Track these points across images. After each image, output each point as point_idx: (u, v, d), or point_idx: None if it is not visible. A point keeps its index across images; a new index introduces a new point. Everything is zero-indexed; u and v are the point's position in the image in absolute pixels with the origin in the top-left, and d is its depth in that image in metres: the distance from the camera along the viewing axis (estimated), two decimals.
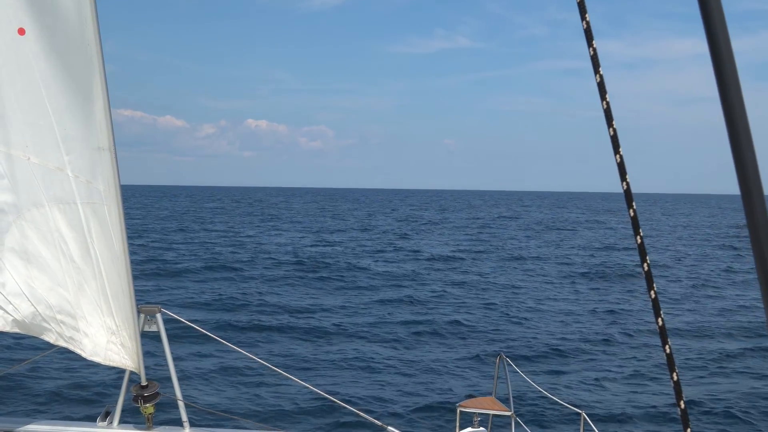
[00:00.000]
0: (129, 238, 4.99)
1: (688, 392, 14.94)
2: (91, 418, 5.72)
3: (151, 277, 32.46)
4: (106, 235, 4.88)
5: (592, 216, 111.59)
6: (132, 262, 5.04)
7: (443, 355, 19.04)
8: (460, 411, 5.31)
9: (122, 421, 5.43)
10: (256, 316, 25.66)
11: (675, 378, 2.86)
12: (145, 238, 52.33)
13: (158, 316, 5.40)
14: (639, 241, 2.87)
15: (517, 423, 5.27)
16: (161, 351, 5.42)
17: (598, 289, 34.19)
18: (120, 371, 5.32)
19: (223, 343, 6.12)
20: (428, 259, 42.88)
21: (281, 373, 6.22)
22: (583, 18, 2.79)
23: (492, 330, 23.90)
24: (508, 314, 27.33)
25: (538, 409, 12.97)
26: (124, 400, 5.42)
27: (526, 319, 26.40)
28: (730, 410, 13.96)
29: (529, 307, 29.42)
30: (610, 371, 17.22)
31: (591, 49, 2.83)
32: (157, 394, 5.36)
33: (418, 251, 47.82)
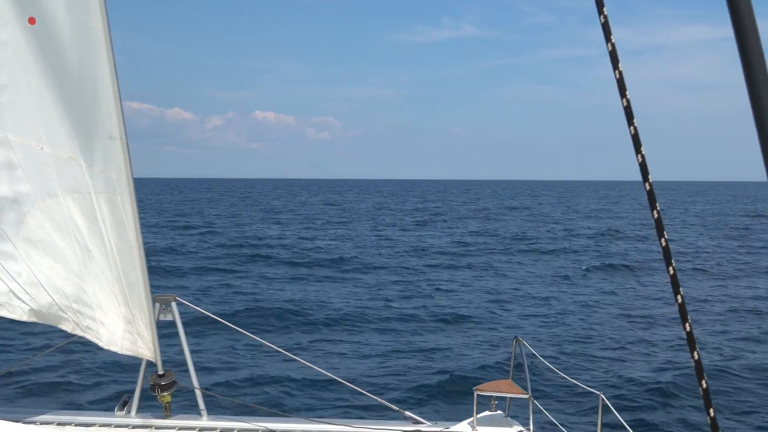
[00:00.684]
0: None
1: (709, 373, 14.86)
2: (109, 408, 5.74)
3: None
4: (119, 225, 4.88)
5: (607, 205, 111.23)
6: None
7: (459, 339, 19.03)
8: (477, 394, 5.28)
9: (140, 410, 5.45)
10: (271, 303, 25.73)
11: (696, 357, 2.82)
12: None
13: (173, 304, 5.41)
14: (663, 244, 2.78)
15: (534, 406, 5.24)
16: (177, 340, 5.42)
17: (616, 273, 34.04)
18: (137, 360, 5.33)
19: (238, 330, 6.13)
20: (439, 252, 42.91)
21: (298, 360, 6.22)
22: (600, 12, 2.68)
23: (507, 314, 23.85)
24: (523, 298, 27.26)
25: (555, 392, 12.94)
26: (142, 389, 5.44)
27: (542, 302, 26.33)
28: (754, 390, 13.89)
29: (545, 292, 29.34)
30: (628, 353, 17.16)
31: (609, 44, 2.72)
32: (174, 382, 5.37)
33: (429, 242, 47.88)
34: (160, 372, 5.33)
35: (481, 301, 26.05)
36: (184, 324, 5.49)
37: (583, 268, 35.11)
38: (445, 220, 68.39)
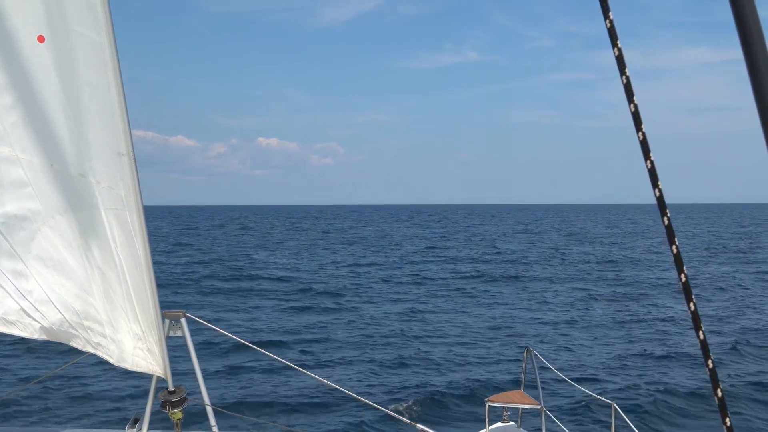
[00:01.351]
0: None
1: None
2: (120, 426, 5.73)
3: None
4: (129, 241, 4.88)
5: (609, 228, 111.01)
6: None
7: (470, 350, 18.96)
8: (489, 406, 5.26)
9: (151, 428, 5.43)
10: (280, 317, 25.72)
11: (710, 365, 2.78)
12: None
13: (183, 320, 5.40)
14: (675, 251, 2.75)
15: (547, 416, 5.21)
16: (187, 356, 5.42)
17: (621, 283, 33.95)
18: (147, 377, 5.32)
19: (248, 345, 6.11)
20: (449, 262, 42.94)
21: (308, 375, 6.20)
22: (606, 17, 2.67)
23: (519, 324, 23.77)
24: (534, 309, 27.18)
25: (568, 402, 12.87)
26: (152, 407, 5.42)
27: (553, 311, 26.24)
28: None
29: (555, 302, 29.25)
30: (640, 363, 17.06)
31: (616, 49, 2.71)
32: (185, 399, 5.35)
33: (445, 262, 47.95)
34: (171, 389, 5.31)
35: (492, 313, 25.99)
36: (194, 340, 5.48)
37: (596, 279, 35.06)
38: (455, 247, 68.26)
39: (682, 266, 2.79)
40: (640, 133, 2.73)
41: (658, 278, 34.98)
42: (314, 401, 13.40)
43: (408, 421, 5.86)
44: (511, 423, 5.49)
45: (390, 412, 6.00)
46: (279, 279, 35.70)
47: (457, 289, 31.68)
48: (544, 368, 5.96)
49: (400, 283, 34.35)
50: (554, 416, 5.76)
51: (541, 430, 5.17)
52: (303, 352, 19.22)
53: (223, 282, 34.79)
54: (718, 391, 2.84)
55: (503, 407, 5.42)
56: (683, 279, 2.79)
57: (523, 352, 5.82)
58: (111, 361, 5.09)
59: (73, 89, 4.63)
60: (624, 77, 2.72)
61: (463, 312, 26.10)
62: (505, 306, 27.50)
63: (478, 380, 15.33)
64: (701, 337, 2.85)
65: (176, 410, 5.27)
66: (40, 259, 4.81)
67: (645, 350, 18.68)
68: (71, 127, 4.66)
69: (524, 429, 5.43)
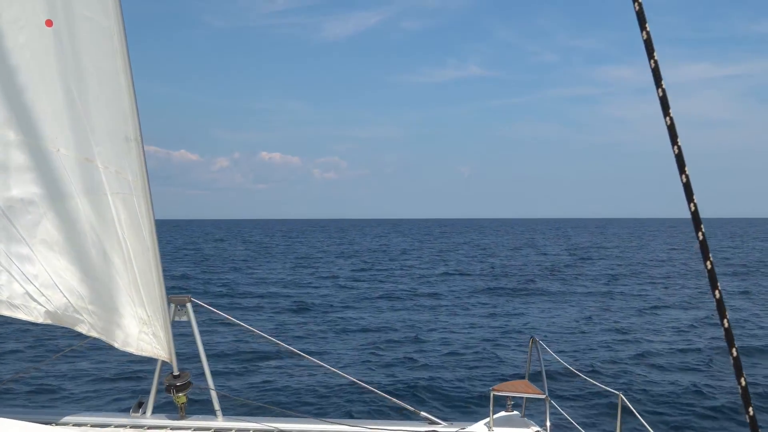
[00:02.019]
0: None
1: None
2: (124, 409, 5.75)
3: None
4: (135, 226, 4.88)
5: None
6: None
7: (476, 339, 18.97)
8: (494, 395, 5.25)
9: (155, 411, 5.45)
10: (287, 306, 25.77)
11: (735, 354, 2.73)
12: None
13: (188, 305, 5.40)
14: (709, 267, 2.69)
15: (551, 406, 5.20)
16: (192, 340, 5.42)
17: (631, 281, 33.89)
18: (152, 361, 5.33)
19: (253, 331, 6.11)
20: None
21: (312, 360, 6.21)
22: (642, 29, 2.59)
23: (525, 315, 23.78)
24: (541, 300, 27.18)
25: (573, 392, 12.86)
26: (157, 390, 5.44)
27: (559, 304, 26.24)
28: None
29: (562, 293, 29.24)
30: (648, 353, 17.03)
31: (652, 61, 2.62)
32: (189, 383, 5.36)
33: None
34: (176, 373, 5.32)
35: (496, 301, 25.99)
36: (199, 324, 5.49)
37: (607, 278, 35.05)
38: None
39: (716, 282, 2.71)
40: (675, 147, 2.62)
41: (666, 286, 34.92)
42: (318, 387, 13.42)
43: (412, 408, 5.86)
44: (515, 412, 5.48)
45: (394, 399, 5.99)
46: (271, 294, 34.54)
47: (466, 292, 31.67)
48: (549, 358, 5.95)
49: (403, 288, 34.36)
50: (559, 406, 5.75)
51: (545, 419, 5.16)
52: (307, 341, 19.27)
53: (217, 298, 34.06)
54: (742, 380, 2.79)
55: (507, 396, 5.41)
56: (717, 295, 2.71)
57: (529, 342, 5.81)
58: (116, 345, 5.10)
59: (80, 74, 4.61)
60: (660, 90, 2.61)
61: (469, 308, 26.12)
62: (513, 306, 27.53)
63: (482, 369, 15.34)
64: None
65: (180, 394, 5.29)
66: (45, 243, 4.82)
67: (656, 342, 18.66)
68: (78, 112, 4.65)
69: (528, 418, 5.42)
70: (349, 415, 11.40)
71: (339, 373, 6.14)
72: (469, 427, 5.26)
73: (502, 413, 5.41)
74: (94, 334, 5.05)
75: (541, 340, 5.71)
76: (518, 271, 41.97)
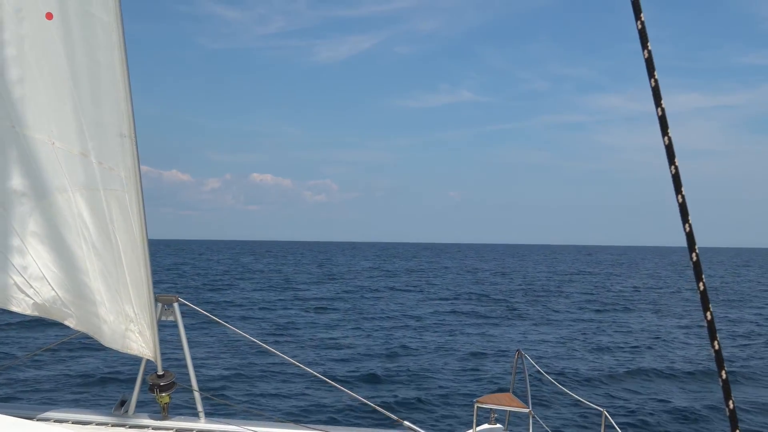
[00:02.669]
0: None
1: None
2: (107, 406, 5.71)
3: None
4: (126, 223, 4.86)
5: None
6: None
7: (461, 351, 18.98)
8: (477, 407, 5.25)
9: (138, 410, 5.42)
10: (272, 310, 25.73)
11: (724, 377, 2.74)
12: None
13: (175, 305, 5.38)
14: (702, 288, 2.70)
15: (534, 420, 5.20)
16: (177, 340, 5.41)
17: (618, 300, 33.99)
18: (136, 360, 5.31)
19: (239, 333, 6.10)
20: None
21: (298, 366, 6.19)
22: (644, 47, 2.60)
23: (511, 328, 23.81)
24: (528, 315, 27.22)
25: (557, 407, 12.87)
26: (140, 389, 5.41)
27: (545, 320, 26.29)
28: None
29: (549, 309, 29.30)
30: (633, 371, 17.07)
31: (652, 80, 2.64)
32: (173, 383, 5.34)
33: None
34: (160, 372, 5.30)
35: (483, 311, 26.01)
36: (185, 325, 5.47)
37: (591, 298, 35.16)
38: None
39: (708, 304, 2.72)
40: (672, 167, 2.63)
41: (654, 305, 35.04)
42: (302, 392, 13.41)
43: (395, 417, 5.85)
44: (498, 425, 5.49)
45: (377, 407, 5.99)
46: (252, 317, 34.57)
47: (452, 311, 31.59)
48: (534, 372, 5.95)
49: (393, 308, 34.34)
50: (542, 421, 5.76)
51: None
52: (293, 345, 19.24)
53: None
54: (730, 403, 2.80)
55: (491, 409, 5.41)
56: (708, 317, 2.71)
57: (515, 354, 5.81)
58: (102, 341, 5.07)
59: (79, 68, 4.61)
60: (659, 109, 2.63)
61: (455, 324, 26.14)
62: (497, 323, 27.58)
63: (466, 381, 15.35)
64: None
65: (164, 394, 5.26)
66: (36, 235, 4.80)
67: (640, 358, 18.71)
68: (75, 105, 4.65)
69: (511, 431, 5.43)
70: (332, 422, 11.38)
71: (324, 380, 6.13)
72: None
73: (486, 426, 5.41)
74: (80, 329, 5.03)
75: (527, 355, 5.72)
76: (505, 292, 42.05)
